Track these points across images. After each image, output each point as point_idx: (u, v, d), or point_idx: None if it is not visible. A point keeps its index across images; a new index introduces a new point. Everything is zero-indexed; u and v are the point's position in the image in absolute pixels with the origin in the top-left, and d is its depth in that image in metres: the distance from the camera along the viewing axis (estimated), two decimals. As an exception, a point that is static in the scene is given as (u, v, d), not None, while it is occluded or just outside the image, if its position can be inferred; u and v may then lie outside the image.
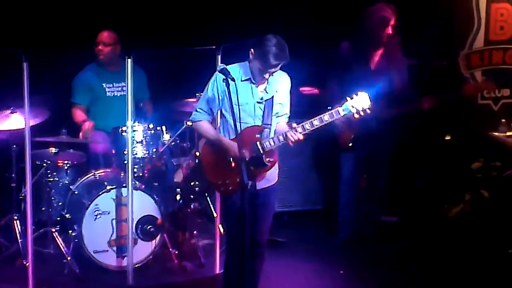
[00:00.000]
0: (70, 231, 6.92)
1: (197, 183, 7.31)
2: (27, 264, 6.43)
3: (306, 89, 8.31)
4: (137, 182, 6.89)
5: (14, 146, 7.02)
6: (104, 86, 7.55)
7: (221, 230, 6.96)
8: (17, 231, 7.01)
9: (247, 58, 5.57)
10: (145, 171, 7.01)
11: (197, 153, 7.24)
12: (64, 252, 6.82)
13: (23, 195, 7.04)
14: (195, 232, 7.24)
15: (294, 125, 5.59)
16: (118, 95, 7.56)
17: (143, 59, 6.91)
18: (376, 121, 7.11)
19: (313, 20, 8.49)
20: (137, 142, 6.89)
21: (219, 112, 5.72)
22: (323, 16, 8.46)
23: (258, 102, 5.61)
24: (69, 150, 7.34)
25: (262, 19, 8.31)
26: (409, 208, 8.20)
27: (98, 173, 7.08)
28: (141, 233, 6.86)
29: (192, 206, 7.32)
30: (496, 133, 7.62)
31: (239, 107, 5.35)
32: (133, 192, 6.58)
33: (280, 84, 5.72)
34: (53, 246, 7.00)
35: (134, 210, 6.63)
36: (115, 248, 6.84)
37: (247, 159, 5.41)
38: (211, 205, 7.07)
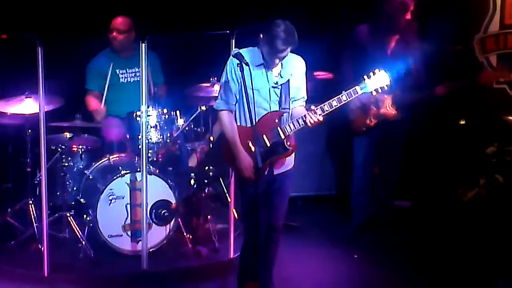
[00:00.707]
0: (84, 216, 6.94)
1: (211, 167, 7.33)
2: (42, 249, 6.47)
3: (320, 74, 8.31)
4: (151, 167, 6.90)
5: (29, 131, 7.05)
6: (118, 72, 7.54)
7: (235, 214, 6.98)
8: (32, 216, 7.05)
9: (258, 44, 5.54)
10: (159, 156, 7.03)
11: (211, 138, 7.27)
12: (79, 237, 6.85)
13: (38, 179, 7.08)
14: (209, 216, 7.26)
15: (313, 107, 5.56)
16: (132, 80, 7.56)
17: (157, 44, 6.92)
18: (393, 105, 7.12)
19: (329, 5, 8.47)
20: (151, 127, 6.90)
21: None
22: (338, 1, 8.43)
23: (273, 87, 5.60)
24: (84, 135, 7.35)
25: (276, 3, 8.29)
26: (423, 193, 8.18)
27: (112, 158, 7.10)
28: (156, 217, 6.87)
29: (206, 191, 7.35)
30: (511, 118, 7.59)
31: (253, 92, 5.35)
32: (147, 177, 6.59)
33: (294, 68, 5.71)
34: (68, 231, 7.04)
35: (149, 195, 6.63)
36: (129, 233, 6.86)
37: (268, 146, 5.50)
38: (226, 190, 7.08)
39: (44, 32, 6.30)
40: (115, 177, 6.83)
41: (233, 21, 6.65)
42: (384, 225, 7.53)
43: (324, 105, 5.58)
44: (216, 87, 7.02)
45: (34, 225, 6.98)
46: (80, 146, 7.20)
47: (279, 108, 5.63)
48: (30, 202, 7.11)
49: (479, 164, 7.94)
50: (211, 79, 7.24)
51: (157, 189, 6.85)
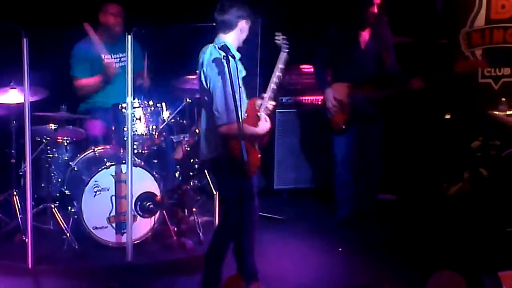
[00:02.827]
0: (69, 207, 6.92)
1: (196, 160, 7.32)
2: (27, 240, 6.45)
3: (306, 67, 8.32)
4: (136, 159, 6.89)
5: (14, 121, 7.02)
6: (103, 57, 7.50)
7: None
8: (17, 207, 7.02)
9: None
10: (145, 148, 7.02)
11: (197, 130, 7.26)
12: (64, 228, 6.83)
13: (22, 171, 7.05)
14: (194, 209, 7.25)
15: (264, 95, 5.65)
16: (116, 66, 7.51)
17: (143, 36, 6.90)
18: (367, 102, 7.13)
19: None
20: (136, 119, 6.89)
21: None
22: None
23: (244, 77, 5.62)
24: (69, 127, 7.34)
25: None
26: (408, 187, 8.21)
27: (97, 150, 7.07)
28: (140, 209, 6.86)
29: (191, 183, 7.34)
30: (496, 112, 7.62)
31: (239, 87, 5.38)
32: (132, 169, 6.58)
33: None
34: (53, 222, 7.02)
35: (134, 187, 6.62)
36: (114, 225, 6.85)
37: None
38: (211, 182, 7.07)
39: (29, 22, 6.27)
40: (100, 169, 6.81)
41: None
42: (368, 218, 7.54)
43: (268, 90, 5.65)
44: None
45: (19, 216, 6.95)
46: (65, 138, 7.18)
47: (248, 98, 5.68)
48: (15, 193, 7.08)
49: (464, 158, 7.98)
50: (197, 71, 7.22)
51: (142, 181, 6.84)
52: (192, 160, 7.32)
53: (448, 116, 8.19)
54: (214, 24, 6.01)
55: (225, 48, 5.37)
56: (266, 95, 5.65)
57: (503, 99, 7.63)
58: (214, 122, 5.46)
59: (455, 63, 7.04)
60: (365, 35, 7.16)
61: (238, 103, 5.26)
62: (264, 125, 5.61)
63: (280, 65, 5.72)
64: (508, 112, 7.50)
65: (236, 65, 5.44)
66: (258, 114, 5.63)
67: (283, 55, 5.76)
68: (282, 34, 5.80)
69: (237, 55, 5.50)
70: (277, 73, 5.68)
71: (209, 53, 5.53)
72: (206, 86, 5.51)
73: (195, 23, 6.15)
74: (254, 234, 5.86)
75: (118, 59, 7.54)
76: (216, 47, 5.48)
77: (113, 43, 7.53)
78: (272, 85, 5.65)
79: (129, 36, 6.33)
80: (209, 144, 5.65)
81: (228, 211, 5.86)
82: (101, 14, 7.46)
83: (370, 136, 7.37)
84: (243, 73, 5.60)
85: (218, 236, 5.94)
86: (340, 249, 6.98)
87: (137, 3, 8.02)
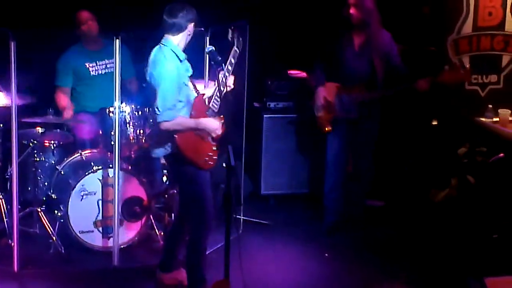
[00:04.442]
0: (56, 211, 6.90)
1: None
2: (13, 244, 6.43)
3: (294, 72, 8.34)
4: (123, 163, 6.88)
5: (1, 125, 6.99)
6: (87, 66, 7.50)
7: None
8: (3, 211, 6.98)
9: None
10: (132, 152, 7.00)
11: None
12: (50, 232, 6.81)
13: (9, 174, 7.02)
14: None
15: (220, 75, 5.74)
16: (103, 73, 7.52)
17: (131, 40, 6.89)
18: (356, 104, 7.14)
19: (303, 4, 8.49)
20: (126, 123, 6.88)
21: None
22: (314, 1, 8.45)
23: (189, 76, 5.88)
24: (56, 130, 7.34)
25: (250, 2, 8.30)
26: (395, 193, 8.22)
27: (84, 154, 7.05)
28: (127, 214, 6.85)
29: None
30: (483, 119, 7.64)
31: (185, 85, 5.75)
32: (119, 173, 6.57)
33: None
34: (39, 226, 6.99)
35: (120, 191, 6.63)
36: (101, 229, 6.83)
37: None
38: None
39: (16, 26, 6.26)
40: (87, 173, 6.80)
41: (207, 19, 6.63)
42: (356, 224, 7.54)
43: (225, 69, 5.80)
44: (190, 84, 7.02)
45: (5, 220, 6.92)
46: (52, 141, 7.16)
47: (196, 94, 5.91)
48: (1, 197, 7.04)
49: (451, 164, 7.99)
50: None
51: (129, 186, 6.84)
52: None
53: (435, 123, 8.20)
54: (202, 29, 6.09)
55: (213, 53, 5.58)
56: (214, 91, 5.87)
57: (490, 106, 7.65)
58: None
59: (439, 74, 7.05)
60: (359, 38, 7.16)
61: (184, 100, 5.67)
62: (213, 121, 5.80)
63: (232, 60, 5.92)
64: (494, 119, 7.52)
65: (186, 66, 5.77)
66: (207, 112, 5.84)
67: (235, 52, 5.93)
68: (233, 31, 5.98)
69: (182, 56, 5.74)
70: (227, 68, 5.85)
71: (153, 54, 5.75)
72: (151, 85, 5.71)
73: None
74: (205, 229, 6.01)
75: (104, 66, 7.54)
76: (161, 47, 5.71)
77: (98, 49, 7.53)
78: (220, 80, 5.75)
79: (117, 41, 6.34)
80: (158, 140, 5.85)
81: (187, 204, 6.02)
82: (76, 27, 7.45)
83: (362, 140, 7.36)
84: (189, 72, 5.84)
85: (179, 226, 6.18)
86: (327, 255, 6.99)
87: (124, 7, 8.01)
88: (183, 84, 5.70)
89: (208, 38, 6.43)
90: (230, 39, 5.92)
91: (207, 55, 6.15)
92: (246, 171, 7.88)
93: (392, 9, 7.58)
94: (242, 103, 7.22)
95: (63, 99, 7.38)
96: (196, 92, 5.90)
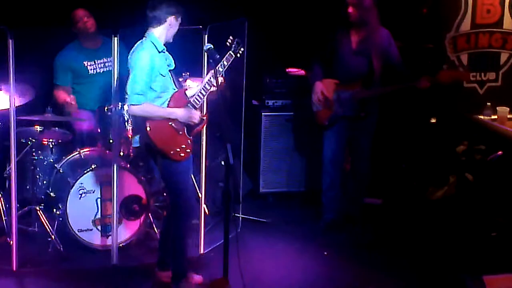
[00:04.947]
0: (54, 210, 6.90)
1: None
2: (11, 242, 6.43)
3: (292, 70, 8.34)
4: (122, 162, 6.87)
5: (-1, 123, 7.00)
6: (86, 64, 7.49)
7: (206, 210, 6.99)
8: (1, 209, 6.98)
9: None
10: (130, 151, 7.00)
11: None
12: (49, 231, 6.81)
13: (7, 173, 7.02)
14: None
15: (209, 73, 6.01)
16: (101, 71, 7.51)
17: (129, 38, 6.88)
18: (353, 101, 7.15)
19: (302, 2, 8.49)
20: (123, 122, 6.87)
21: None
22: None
23: (169, 69, 5.99)
24: (54, 129, 7.33)
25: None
26: (393, 190, 8.22)
27: (83, 152, 7.05)
28: (126, 212, 6.86)
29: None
30: (481, 117, 7.64)
31: (162, 76, 5.88)
32: (118, 171, 6.57)
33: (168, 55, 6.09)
34: (38, 225, 7.00)
35: (119, 190, 6.62)
36: (99, 227, 6.83)
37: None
38: (196, 186, 7.07)
39: (13, 23, 6.25)
40: (85, 171, 6.80)
41: (205, 16, 6.64)
42: (354, 221, 7.54)
43: (218, 67, 5.95)
44: (189, 82, 7.02)
45: (3, 218, 6.92)
46: (51, 140, 7.16)
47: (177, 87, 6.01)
48: (-1, 195, 7.07)
49: (449, 162, 8.00)
50: (183, 74, 7.21)
51: (127, 184, 6.84)
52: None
53: (433, 120, 8.20)
54: (201, 27, 6.11)
55: (211, 51, 5.78)
56: (198, 89, 6.01)
57: (488, 103, 7.65)
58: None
59: (438, 73, 7.05)
60: (357, 35, 7.17)
61: (159, 90, 5.82)
62: (187, 112, 5.89)
63: (225, 63, 6.00)
64: (493, 117, 7.52)
65: (165, 58, 5.93)
66: (188, 104, 5.95)
67: (230, 56, 6.01)
68: (233, 38, 6.06)
69: (161, 47, 5.89)
70: (217, 69, 5.93)
71: (135, 46, 5.95)
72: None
73: (182, 25, 6.16)
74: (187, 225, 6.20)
75: (102, 64, 7.53)
76: (143, 40, 5.90)
77: (96, 48, 7.52)
78: (207, 79, 5.97)
79: (115, 38, 6.34)
80: (134, 128, 6.13)
81: (172, 197, 6.10)
82: (73, 25, 7.43)
83: (359, 138, 7.37)
84: (171, 65, 6.00)
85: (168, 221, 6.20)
86: (326, 253, 6.99)
87: (122, 4, 8.00)
88: (158, 73, 5.81)
89: (206, 36, 6.42)
90: (228, 44, 5.97)
91: (205, 53, 6.15)
92: (244, 169, 7.88)
93: (390, 6, 7.57)
94: (240, 101, 7.21)
95: (63, 95, 7.36)
96: (177, 86, 6.00)
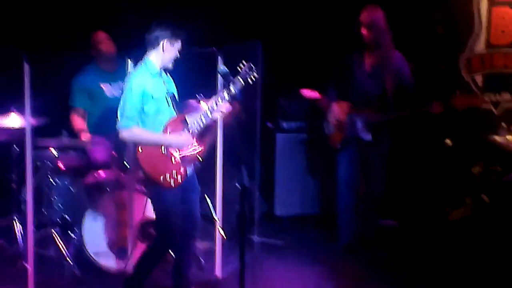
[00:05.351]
0: (70, 233, 6.91)
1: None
2: (27, 266, 6.43)
3: (307, 92, 8.33)
4: (137, 185, 6.87)
5: (15, 146, 7.01)
6: (103, 87, 7.53)
7: (222, 233, 6.96)
8: (17, 233, 7.00)
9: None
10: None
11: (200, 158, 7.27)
12: (65, 254, 6.81)
13: (23, 196, 7.03)
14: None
15: (215, 97, 5.92)
16: (117, 95, 7.52)
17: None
18: (367, 124, 7.14)
19: (316, 24, 8.51)
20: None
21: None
22: (327, 21, 8.46)
23: (167, 93, 5.95)
24: (70, 152, 7.33)
25: (262, 22, 8.33)
26: (409, 212, 8.19)
27: (98, 175, 7.06)
28: (142, 235, 6.84)
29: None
30: (497, 137, 7.61)
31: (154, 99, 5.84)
32: (133, 195, 6.57)
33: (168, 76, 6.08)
34: (54, 248, 6.99)
35: (135, 213, 6.61)
36: (115, 250, 6.82)
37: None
38: (212, 209, 7.06)
39: (30, 47, 6.28)
40: (101, 195, 6.80)
41: (219, 38, 6.66)
42: (370, 244, 7.51)
43: (223, 92, 5.89)
44: (203, 104, 7.01)
45: (19, 242, 6.93)
46: (66, 163, 7.17)
47: (176, 113, 5.96)
48: (16, 218, 7.07)
49: (465, 183, 7.97)
50: (197, 96, 7.22)
51: (143, 207, 6.82)
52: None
53: (448, 141, 8.18)
54: (214, 49, 6.12)
55: (225, 73, 5.83)
56: (215, 98, 5.91)
57: (503, 124, 7.63)
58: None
59: (451, 98, 7.03)
60: (371, 58, 7.17)
61: (152, 114, 5.79)
62: (179, 139, 5.86)
63: (231, 88, 5.89)
64: (508, 137, 7.49)
65: (162, 82, 5.91)
66: (184, 130, 5.90)
67: (238, 81, 5.88)
68: (246, 62, 5.94)
69: (155, 71, 5.86)
70: (222, 95, 5.90)
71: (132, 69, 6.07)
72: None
73: (194, 48, 6.18)
74: (190, 249, 6.24)
75: (119, 87, 7.54)
76: (138, 65, 5.91)
77: (113, 71, 7.54)
78: (210, 106, 5.90)
79: (129, 60, 6.37)
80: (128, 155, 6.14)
81: (156, 222, 6.14)
82: (92, 47, 7.47)
83: (373, 159, 7.35)
84: (170, 89, 6.00)
85: (148, 252, 6.20)
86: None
87: (137, 28, 8.04)
88: (150, 97, 5.77)
89: (220, 58, 6.43)
90: (239, 69, 5.90)
91: (220, 75, 6.14)
92: (260, 191, 7.88)
93: (403, 28, 7.58)
94: (255, 123, 7.22)
95: (79, 121, 7.39)
96: (176, 110, 5.96)
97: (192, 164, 6.03)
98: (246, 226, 5.50)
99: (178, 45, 5.87)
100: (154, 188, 5.93)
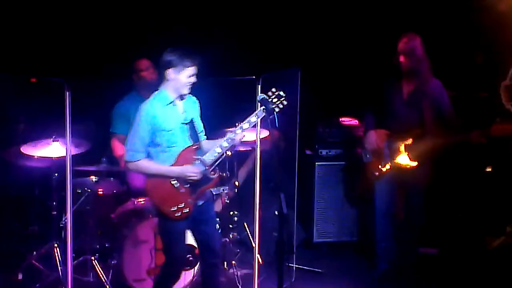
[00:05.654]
0: (109, 259, 6.94)
1: (236, 212, 7.32)
2: (67, 292, 6.48)
3: (345, 119, 8.34)
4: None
5: (56, 174, 7.08)
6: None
7: (260, 260, 6.96)
8: (58, 259, 7.05)
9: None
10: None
11: (237, 183, 7.28)
12: (104, 281, 6.84)
13: (63, 223, 7.09)
14: (233, 261, 7.24)
15: (232, 129, 5.89)
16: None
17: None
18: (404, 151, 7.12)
19: (355, 52, 8.53)
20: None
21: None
22: (365, 49, 8.48)
23: (183, 123, 5.90)
24: (109, 179, 7.39)
25: (302, 49, 8.36)
26: (449, 240, 8.12)
27: (137, 202, 7.10)
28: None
29: (231, 236, 7.34)
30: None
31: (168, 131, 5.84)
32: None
33: (193, 104, 6.07)
34: (93, 275, 7.04)
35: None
36: (153, 277, 6.84)
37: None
38: (250, 235, 7.06)
39: (69, 75, 6.36)
40: (139, 221, 6.83)
41: (258, 66, 6.68)
42: (409, 272, 7.45)
43: (243, 124, 5.86)
44: (239, 131, 7.01)
45: (59, 268, 6.98)
46: (106, 190, 7.22)
47: (192, 143, 5.92)
48: (56, 245, 7.12)
49: (506, 211, 7.89)
50: (237, 124, 7.26)
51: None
52: (231, 213, 7.32)
53: (489, 169, 8.11)
54: (254, 77, 6.13)
55: (264, 101, 5.72)
56: (235, 128, 5.91)
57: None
58: None
59: (491, 127, 6.97)
60: (409, 86, 7.15)
61: (164, 145, 5.79)
62: (186, 170, 5.81)
63: (251, 119, 5.89)
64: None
65: (176, 111, 5.87)
66: (197, 161, 5.85)
67: (260, 112, 5.87)
68: (274, 91, 5.89)
69: (165, 101, 5.83)
70: (241, 126, 5.90)
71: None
72: None
73: (234, 76, 6.21)
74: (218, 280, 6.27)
75: None
76: (153, 94, 5.90)
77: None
78: (251, 119, 5.88)
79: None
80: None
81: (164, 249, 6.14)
82: (134, 74, 7.53)
83: (411, 187, 7.30)
84: (188, 119, 5.93)
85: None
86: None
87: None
88: (161, 129, 5.78)
89: (259, 86, 6.45)
90: (268, 98, 5.83)
91: (259, 103, 6.13)
92: (298, 219, 7.87)
93: (443, 56, 7.56)
94: (293, 150, 7.22)
95: (119, 148, 7.44)
96: (193, 139, 5.93)
97: (205, 196, 6.02)
98: (285, 253, 5.49)
99: (188, 71, 5.79)
100: (162, 218, 5.97)
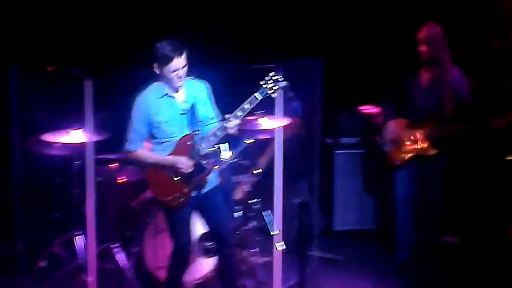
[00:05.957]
0: (131, 247, 6.96)
1: (256, 200, 7.33)
2: (89, 280, 6.49)
3: (365, 108, 8.33)
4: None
5: (77, 162, 7.10)
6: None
7: (277, 247, 6.96)
8: (78, 246, 7.08)
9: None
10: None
11: (255, 171, 7.28)
12: (125, 268, 6.87)
13: (85, 210, 7.11)
14: (254, 249, 7.25)
15: (227, 116, 5.75)
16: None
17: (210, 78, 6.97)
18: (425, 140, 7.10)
19: (375, 41, 8.51)
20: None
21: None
22: (386, 38, 8.46)
23: (181, 114, 5.86)
24: (130, 167, 7.41)
25: (323, 38, 8.36)
26: (470, 229, 8.11)
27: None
28: (201, 250, 6.88)
29: (251, 224, 7.34)
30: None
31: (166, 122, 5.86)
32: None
33: (198, 92, 5.97)
34: (114, 262, 7.06)
35: (194, 227, 6.65)
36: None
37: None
38: (271, 223, 7.07)
39: (92, 64, 6.38)
40: (160, 209, 6.85)
41: (276, 54, 6.67)
42: (429, 260, 7.45)
43: (237, 111, 5.75)
44: (260, 120, 7.01)
45: (79, 256, 7.01)
46: (127, 178, 7.24)
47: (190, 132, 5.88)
48: (76, 233, 7.14)
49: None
50: (255, 112, 7.25)
51: (203, 222, 6.85)
52: (251, 201, 7.33)
53: (510, 157, 8.08)
54: (274, 65, 6.12)
55: (285, 89, 5.81)
56: (229, 116, 5.79)
57: None
58: None
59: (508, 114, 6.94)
60: (429, 74, 7.12)
61: (161, 136, 5.84)
62: (173, 160, 5.82)
63: (245, 106, 5.82)
64: None
65: (172, 103, 5.85)
66: (189, 152, 5.84)
67: (254, 98, 5.83)
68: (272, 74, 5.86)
69: (160, 93, 5.85)
70: (235, 114, 5.79)
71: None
72: None
73: (254, 64, 6.21)
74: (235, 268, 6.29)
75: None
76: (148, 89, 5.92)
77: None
78: (244, 106, 5.79)
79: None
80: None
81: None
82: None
83: (431, 175, 7.29)
84: (185, 110, 5.87)
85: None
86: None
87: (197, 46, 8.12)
88: (155, 121, 5.82)
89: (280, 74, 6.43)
90: (261, 84, 5.83)
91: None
92: (319, 207, 7.87)
93: (463, 43, 7.53)
94: (315, 139, 7.21)
95: None
96: (189, 129, 5.90)
97: (201, 185, 6.00)
98: (305, 241, 5.50)
99: (171, 66, 5.72)
100: (163, 207, 6.07)
